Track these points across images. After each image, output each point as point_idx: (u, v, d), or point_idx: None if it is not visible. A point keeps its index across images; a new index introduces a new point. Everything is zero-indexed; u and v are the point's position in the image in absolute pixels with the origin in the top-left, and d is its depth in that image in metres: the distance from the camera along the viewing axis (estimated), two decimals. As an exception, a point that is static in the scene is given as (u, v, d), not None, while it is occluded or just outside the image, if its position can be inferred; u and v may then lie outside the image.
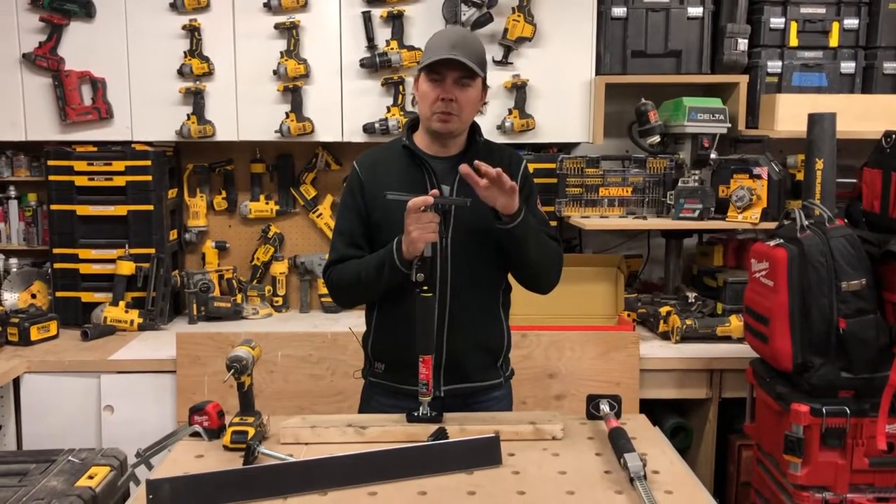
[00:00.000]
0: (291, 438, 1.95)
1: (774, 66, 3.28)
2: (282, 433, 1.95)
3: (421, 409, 2.00)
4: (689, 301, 3.23)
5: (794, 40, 3.26)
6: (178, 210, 3.48)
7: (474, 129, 2.12)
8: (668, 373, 2.92)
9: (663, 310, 3.09)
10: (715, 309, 3.26)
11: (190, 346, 2.79)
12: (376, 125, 3.15)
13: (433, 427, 1.92)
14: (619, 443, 1.87)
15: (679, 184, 3.15)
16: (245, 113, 3.19)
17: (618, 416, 2.07)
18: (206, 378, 2.80)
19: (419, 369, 1.98)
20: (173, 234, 3.41)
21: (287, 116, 3.15)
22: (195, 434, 1.98)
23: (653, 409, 3.10)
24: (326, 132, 3.20)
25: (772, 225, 3.00)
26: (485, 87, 2.09)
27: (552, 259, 2.09)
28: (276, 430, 1.97)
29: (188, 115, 3.15)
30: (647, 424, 2.14)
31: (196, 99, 3.14)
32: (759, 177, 3.06)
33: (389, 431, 1.95)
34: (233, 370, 1.89)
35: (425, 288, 1.94)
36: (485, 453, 1.81)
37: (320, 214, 3.49)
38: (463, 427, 1.95)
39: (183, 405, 2.74)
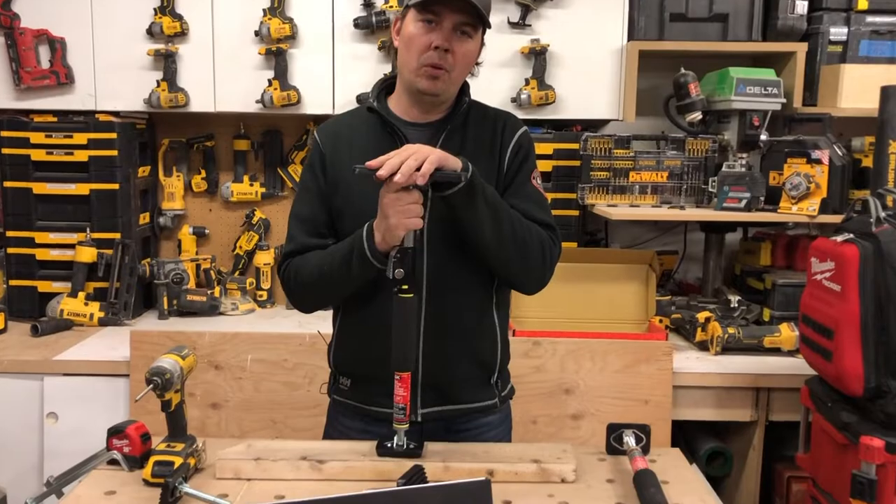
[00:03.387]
0: (230, 473, 1.55)
1: (839, 32, 2.81)
2: (218, 466, 1.55)
3: (395, 438, 1.59)
4: (732, 306, 2.78)
5: (862, 3, 2.79)
6: (151, 191, 3.10)
7: (462, 87, 1.71)
8: (707, 390, 2.48)
9: (701, 315, 2.64)
10: (761, 315, 2.81)
11: (146, 346, 2.40)
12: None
13: (408, 463, 1.50)
14: (648, 493, 1.44)
15: (723, 169, 2.69)
16: (223, 80, 2.79)
17: (645, 450, 1.65)
18: (163, 384, 2.40)
19: (395, 389, 1.56)
20: (144, 218, 3.03)
21: (270, 84, 2.75)
22: (114, 461, 1.59)
23: (686, 431, 2.67)
24: (315, 103, 2.80)
25: (832, 218, 2.56)
26: (482, 43, 1.70)
27: (526, 244, 1.62)
28: (214, 460, 1.56)
29: (158, 82, 2.76)
30: (681, 462, 1.71)
31: (167, 63, 2.75)
32: (818, 161, 2.59)
33: (353, 468, 1.54)
34: (153, 385, 1.49)
35: (405, 287, 1.53)
36: (472, 502, 1.39)
37: (311, 198, 3.08)
38: (447, 465, 1.54)
39: (138, 415, 2.35)
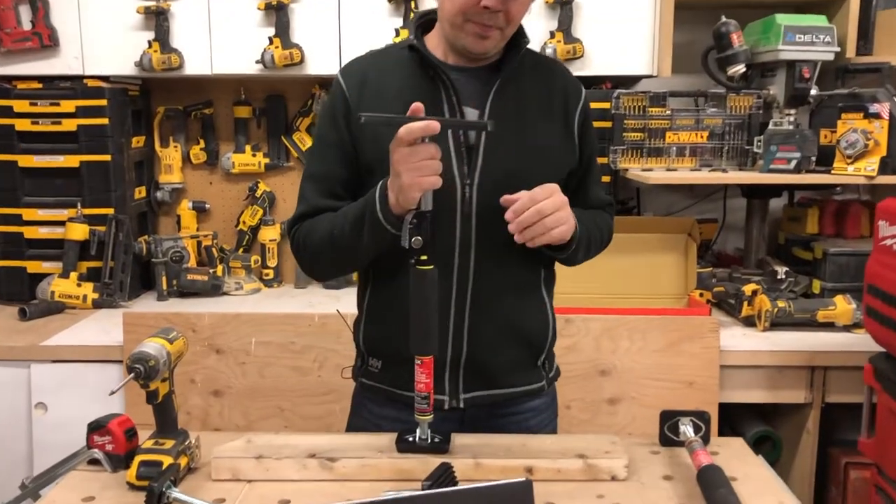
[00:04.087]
0: (227, 474, 1.33)
1: (896, -27, 2.55)
2: (214, 466, 1.34)
3: (418, 431, 1.37)
4: (779, 277, 2.55)
5: (922, -60, 2.53)
6: (146, 163, 2.88)
7: (518, 30, 1.47)
8: (756, 370, 2.25)
9: (748, 288, 2.41)
10: (810, 288, 2.58)
11: (140, 329, 2.19)
12: (382, 53, 2.50)
13: (434, 460, 1.29)
14: (717, 494, 1.22)
15: (770, 127, 2.45)
16: (220, 39, 2.56)
17: (705, 441, 1.43)
18: (160, 370, 2.20)
19: (416, 375, 1.35)
20: (139, 192, 2.82)
21: (270, 42, 2.51)
22: (95, 461, 1.38)
23: (730, 414, 2.44)
24: (320, 63, 2.56)
25: (893, 179, 2.31)
26: None
27: (600, 248, 1.60)
28: (209, 459, 1.35)
29: (149, 42, 2.53)
30: (747, 454, 1.49)
31: (159, 21, 2.52)
32: (876, 116, 2.34)
33: (370, 466, 1.33)
34: (135, 373, 1.28)
35: (423, 258, 1.30)
36: (509, 507, 1.18)
37: (318, 169, 2.86)
38: (478, 461, 1.32)
39: (134, 404, 2.15)
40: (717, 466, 1.29)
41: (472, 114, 1.43)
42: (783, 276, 2.54)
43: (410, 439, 1.37)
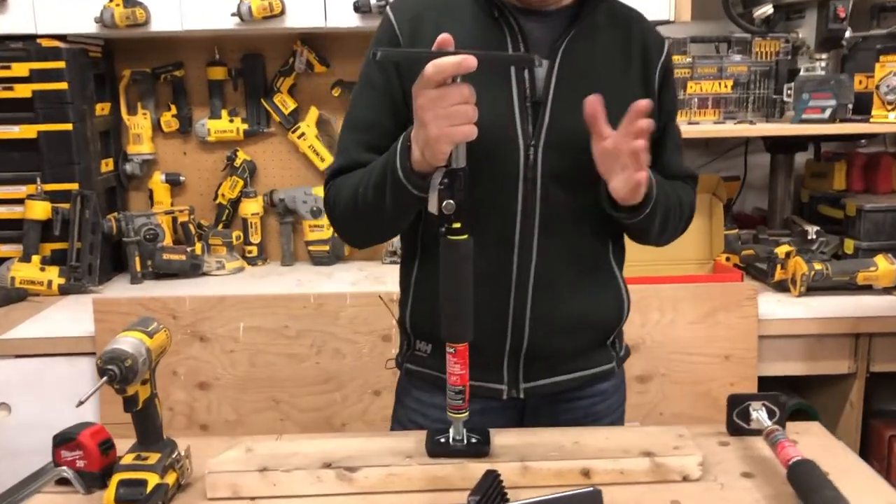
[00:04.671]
0: (226, 491, 1.11)
1: None
2: (209, 482, 1.11)
3: (452, 431, 1.15)
4: (810, 238, 2.35)
5: None
6: (113, 132, 2.61)
7: None
8: (795, 339, 2.06)
9: (781, 250, 2.21)
10: (841, 248, 2.39)
11: (113, 316, 1.95)
12: (373, 1, 2.24)
13: (472, 466, 1.08)
14: (822, 497, 1.02)
15: (801, 73, 2.24)
16: (189, -10, 2.29)
17: (781, 427, 1.23)
18: (138, 362, 1.96)
19: (448, 366, 1.13)
20: (106, 165, 2.55)
21: (248, -8, 2.25)
22: (63, 480, 1.15)
23: (761, 387, 2.25)
24: (302, 14, 2.30)
25: (936, 127, 2.12)
26: None
27: (679, 222, 1.38)
28: (203, 472, 1.13)
29: (110, -6, 2.26)
30: (831, 442, 1.29)
31: (119, -29, 2.24)
32: (918, 58, 2.14)
33: (397, 476, 1.11)
34: (108, 376, 1.04)
35: (455, 225, 1.08)
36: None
37: (303, 135, 2.61)
38: (525, 465, 1.11)
39: (109, 402, 1.91)
40: (812, 462, 1.09)
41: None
42: (814, 237, 2.35)
43: (443, 441, 1.15)
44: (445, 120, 1.03)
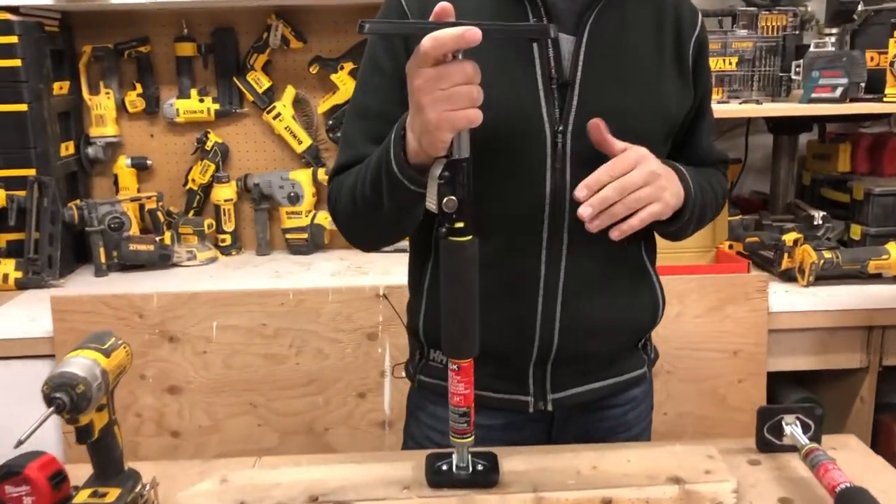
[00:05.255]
0: (197, 532, 0.97)
1: None
2: (177, 523, 0.97)
3: (455, 458, 1.02)
4: (816, 223, 2.24)
5: None
6: (74, 113, 2.43)
7: None
8: (805, 333, 1.95)
9: (789, 238, 2.09)
10: (847, 233, 2.28)
11: (75, 316, 1.79)
12: (353, -29, 2.08)
13: (478, 499, 0.94)
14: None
15: (811, 49, 2.11)
16: (153, -42, 2.11)
17: (816, 441, 1.11)
18: (102, 366, 1.80)
19: (450, 385, 0.99)
20: (66, 149, 2.37)
21: (216, -40, 2.08)
22: (9, 521, 1.01)
23: (771, 383, 2.14)
24: (278, -16, 2.13)
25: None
26: None
27: (715, 216, 1.30)
28: (170, 508, 0.99)
29: (65, -37, 2.08)
30: (871, 458, 1.17)
31: (76, -64, 2.06)
32: (935, 33, 2.02)
33: (394, 513, 0.97)
34: (57, 406, 0.89)
35: (458, 225, 0.94)
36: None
37: (279, 115, 2.44)
38: (539, 495, 0.98)
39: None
40: (863, 490, 0.97)
41: (566, 41, 1.09)
42: (820, 222, 2.24)
43: (445, 468, 1.02)
44: (445, 103, 0.88)
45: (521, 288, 1.13)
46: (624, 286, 1.19)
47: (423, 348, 1.24)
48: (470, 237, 0.94)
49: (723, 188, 1.29)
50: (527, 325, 1.14)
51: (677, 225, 1.12)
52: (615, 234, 1.02)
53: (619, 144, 1.03)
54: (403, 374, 1.31)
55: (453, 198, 0.92)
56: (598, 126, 1.03)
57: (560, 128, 1.09)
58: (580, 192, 1.01)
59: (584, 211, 1.00)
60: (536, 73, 1.09)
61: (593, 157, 1.07)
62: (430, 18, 0.89)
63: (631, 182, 1.01)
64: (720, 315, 1.87)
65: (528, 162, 1.09)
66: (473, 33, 0.85)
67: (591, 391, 1.20)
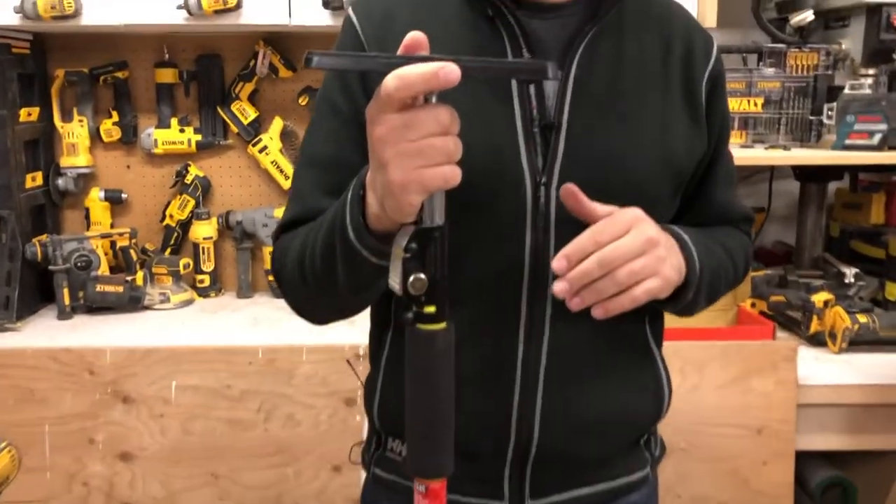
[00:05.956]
0: None
1: None
2: None
3: None
4: (847, 281, 2.04)
5: None
6: (44, 142, 2.25)
7: None
8: (837, 409, 1.74)
9: (819, 299, 1.89)
10: (882, 292, 2.07)
11: (18, 371, 1.60)
12: (345, -5, 1.91)
13: None
14: None
15: (846, 91, 1.92)
16: (129, -23, 1.94)
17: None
18: (46, 428, 1.61)
19: (415, 509, 0.79)
20: (33, 180, 2.19)
21: (196, -19, 1.91)
22: None
23: (799, 464, 1.93)
24: (262, 10, 1.96)
25: None
26: None
27: (732, 286, 1.09)
28: None
29: (33, -20, 1.91)
30: None
31: (45, -48, 1.90)
32: (984, 77, 1.83)
33: None
34: None
35: (429, 309, 0.75)
36: None
37: (265, 148, 2.26)
38: None
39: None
40: None
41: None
42: (852, 280, 2.04)
43: None
44: (414, 158, 0.70)
45: (495, 371, 0.95)
46: (621, 371, 1.00)
47: (380, 435, 1.05)
48: (443, 325, 0.75)
49: (745, 252, 1.09)
50: (501, 417, 0.95)
51: (679, 305, 0.93)
52: (598, 313, 0.83)
53: (602, 210, 0.84)
54: (360, 460, 1.11)
55: (422, 276, 0.73)
56: (573, 193, 0.84)
57: (543, 179, 0.91)
58: (558, 263, 0.82)
59: (558, 287, 0.82)
60: (515, 113, 0.91)
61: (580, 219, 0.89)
62: (400, 50, 0.71)
63: (621, 252, 0.81)
64: (743, 387, 1.66)
65: (505, 219, 0.91)
66: (450, 71, 0.66)
67: (579, 499, 1.00)
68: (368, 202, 0.78)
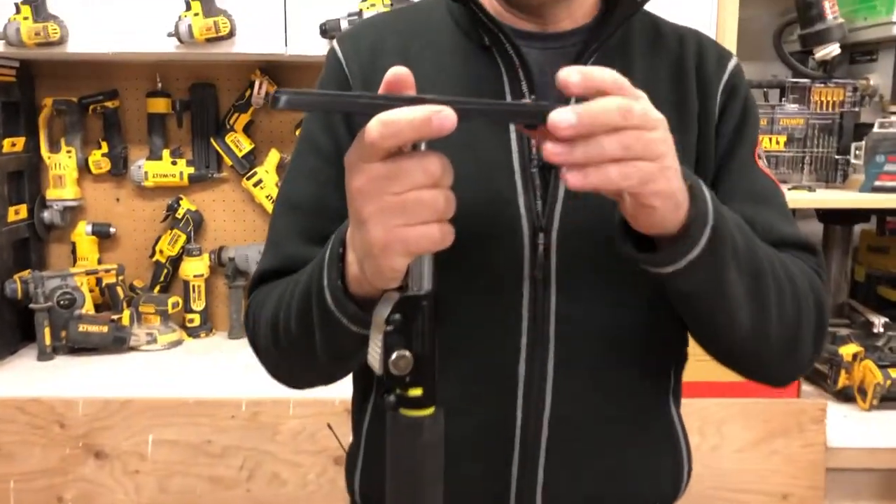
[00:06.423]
0: None
1: None
2: None
3: None
4: (876, 331, 1.90)
5: None
6: (29, 173, 2.16)
7: None
8: (869, 473, 1.60)
9: (847, 352, 1.76)
10: (912, 343, 1.93)
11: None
12: (344, 24, 1.81)
13: None
14: None
15: (875, 129, 1.80)
16: (118, 3, 1.85)
17: None
18: (11, 484, 1.49)
19: None
20: (17, 212, 2.10)
21: (188, 7, 1.81)
22: None
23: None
24: (257, 38, 1.87)
25: None
26: None
27: (800, 314, 0.81)
28: None
29: (17, 6, 1.82)
30: None
31: (30, -23, 1.81)
32: None
33: None
34: None
35: (414, 392, 0.63)
36: None
37: (260, 182, 2.16)
38: None
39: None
40: None
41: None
42: (881, 330, 1.90)
43: None
44: (398, 215, 0.59)
45: (489, 449, 0.84)
46: (634, 441, 0.88)
47: None
48: (431, 410, 0.64)
49: (805, 274, 0.83)
50: (498, 491, 0.84)
51: (688, 255, 0.68)
52: (575, 180, 0.60)
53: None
54: None
55: (406, 354, 0.62)
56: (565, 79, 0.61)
57: (542, 223, 0.81)
58: (567, 74, 0.60)
59: (560, 118, 0.58)
60: (511, 150, 0.81)
61: (588, 265, 0.80)
62: (381, 88, 0.60)
63: (634, 108, 0.61)
64: (767, 449, 1.53)
65: (499, 269, 0.81)
66: (445, 118, 0.56)
67: None
68: (348, 262, 0.69)
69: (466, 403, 0.83)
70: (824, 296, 0.85)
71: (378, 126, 0.56)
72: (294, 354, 0.81)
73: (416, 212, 0.59)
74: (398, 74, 0.59)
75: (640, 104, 0.62)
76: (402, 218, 0.59)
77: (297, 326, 0.77)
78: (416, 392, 0.63)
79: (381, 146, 0.57)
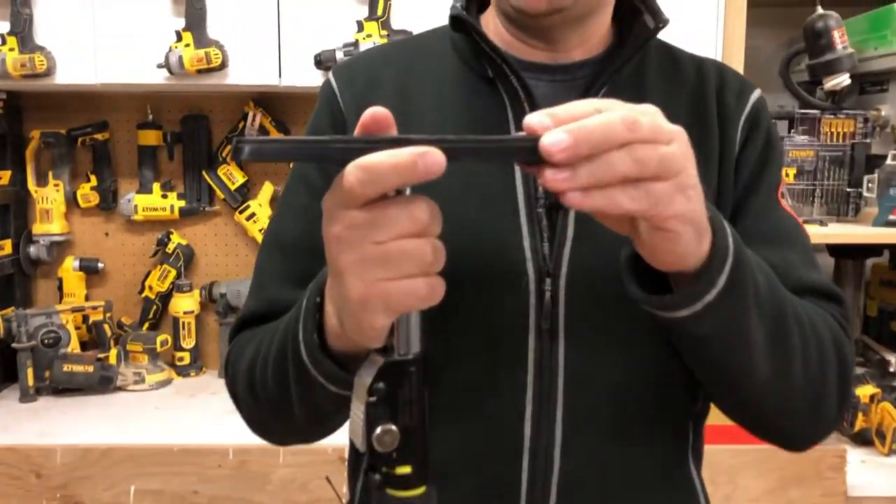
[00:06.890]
0: None
1: None
2: None
3: None
4: (892, 370, 1.83)
5: None
6: (16, 207, 2.10)
7: (633, 6, 0.81)
8: (891, 520, 1.52)
9: (864, 393, 1.68)
10: (929, 381, 1.86)
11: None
12: (340, 55, 1.76)
13: None
14: None
15: (889, 161, 1.75)
16: (107, 34, 1.80)
17: None
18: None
19: None
20: (2, 247, 2.03)
21: (179, 39, 1.76)
22: None
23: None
24: (250, 70, 1.81)
25: None
26: None
27: (824, 369, 0.73)
28: None
29: (2, 38, 1.77)
30: None
31: (16, 6, 1.76)
32: None
33: None
34: None
35: (402, 470, 0.56)
36: None
37: (253, 215, 2.09)
38: None
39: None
40: None
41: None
42: (896, 368, 1.84)
43: None
44: (379, 267, 0.53)
45: None
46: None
47: None
48: (421, 490, 0.57)
49: (828, 326, 0.75)
50: None
51: (705, 297, 0.61)
52: (575, 199, 0.52)
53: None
54: None
55: (392, 427, 0.55)
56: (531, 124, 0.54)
57: (550, 267, 0.74)
58: (535, 119, 0.53)
59: (551, 140, 0.51)
60: (516, 187, 0.75)
61: (599, 315, 0.73)
62: (357, 128, 0.54)
63: (639, 119, 0.53)
64: (783, 499, 1.45)
65: (502, 319, 0.75)
66: (433, 162, 0.50)
67: None
68: (327, 314, 0.62)
69: (466, 467, 0.77)
70: (849, 351, 0.77)
71: (357, 172, 0.50)
72: (270, 410, 0.75)
73: (400, 263, 0.52)
74: (376, 114, 0.52)
75: (649, 116, 0.54)
76: (383, 270, 0.52)
77: (274, 381, 0.71)
78: (404, 470, 0.56)
79: (361, 193, 0.51)
